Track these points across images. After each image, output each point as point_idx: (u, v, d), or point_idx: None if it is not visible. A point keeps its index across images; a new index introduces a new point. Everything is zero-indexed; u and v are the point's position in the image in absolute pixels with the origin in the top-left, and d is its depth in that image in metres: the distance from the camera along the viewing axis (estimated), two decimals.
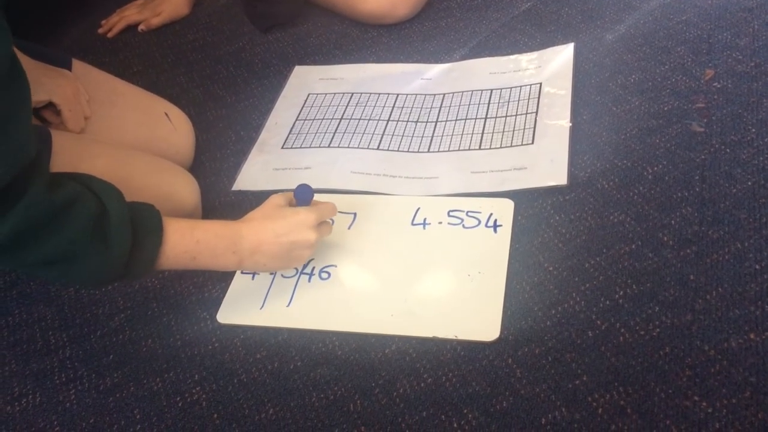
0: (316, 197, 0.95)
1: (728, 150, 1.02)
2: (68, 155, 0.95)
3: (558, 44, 1.28)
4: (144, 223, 0.81)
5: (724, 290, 0.86)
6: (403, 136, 1.19)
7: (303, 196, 0.93)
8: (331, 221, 0.99)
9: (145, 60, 1.50)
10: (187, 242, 0.84)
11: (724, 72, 1.14)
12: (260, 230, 0.87)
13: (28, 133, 0.73)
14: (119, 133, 1.11)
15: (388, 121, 1.22)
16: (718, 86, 1.12)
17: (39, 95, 1.04)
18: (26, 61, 1.04)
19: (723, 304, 0.85)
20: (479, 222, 1.01)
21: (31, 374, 0.96)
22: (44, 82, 1.04)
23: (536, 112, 1.15)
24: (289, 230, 0.88)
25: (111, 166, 0.96)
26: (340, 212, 1.07)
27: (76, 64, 1.14)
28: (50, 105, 1.06)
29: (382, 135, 1.19)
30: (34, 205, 0.73)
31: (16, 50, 1.04)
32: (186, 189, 1.06)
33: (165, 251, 0.83)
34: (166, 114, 1.18)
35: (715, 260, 0.89)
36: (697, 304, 0.86)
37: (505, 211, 1.02)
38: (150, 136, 1.14)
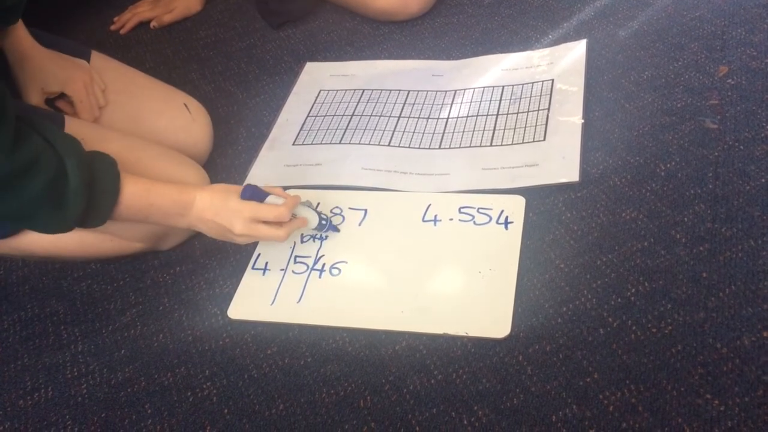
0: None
1: (742, 147, 1.01)
2: (81, 139, 0.96)
3: (570, 41, 1.28)
4: (101, 183, 0.87)
5: (737, 288, 0.85)
6: (414, 132, 1.18)
7: (243, 194, 0.94)
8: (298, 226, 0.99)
9: (157, 56, 1.51)
10: (142, 204, 0.91)
11: (738, 68, 1.13)
12: (206, 206, 0.93)
13: None
14: (137, 123, 1.13)
15: (399, 117, 1.22)
16: (732, 83, 1.11)
17: (51, 86, 1.05)
18: (40, 52, 1.06)
19: (736, 302, 0.84)
20: (490, 219, 1.01)
21: (43, 368, 0.97)
22: (56, 73, 1.06)
23: (548, 109, 1.15)
24: (223, 214, 0.93)
25: (121, 152, 0.97)
26: (350, 208, 1.07)
27: (96, 55, 1.15)
28: (64, 95, 1.07)
29: (393, 131, 1.19)
30: None
31: (33, 41, 1.07)
32: (195, 180, 1.06)
33: (119, 209, 0.90)
34: (185, 105, 1.19)
35: (728, 258, 0.89)
36: (709, 301, 0.85)
37: (516, 207, 1.01)
38: (168, 126, 1.15)
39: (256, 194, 0.94)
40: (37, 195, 0.81)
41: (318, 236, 1.04)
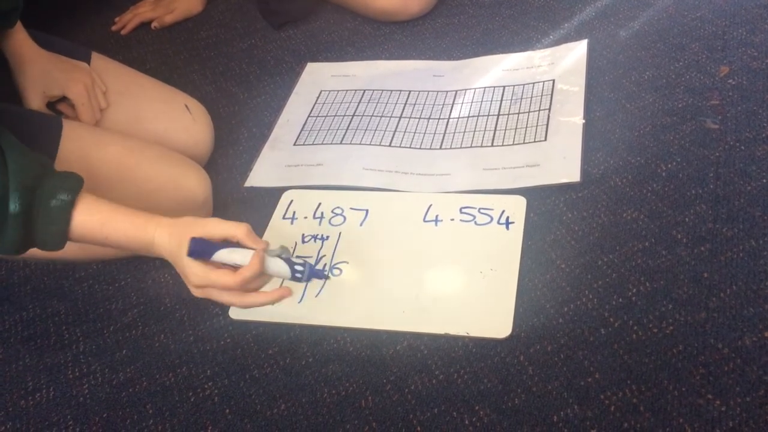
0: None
1: (743, 147, 1.01)
2: (79, 143, 0.96)
3: (571, 41, 1.28)
4: (47, 213, 0.79)
5: (738, 288, 0.86)
6: (415, 132, 1.18)
7: (190, 249, 0.79)
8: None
9: (159, 57, 1.51)
10: (96, 237, 0.82)
11: (739, 69, 1.13)
12: (165, 250, 0.82)
13: None
14: (138, 124, 1.12)
15: (401, 117, 1.22)
16: (733, 83, 1.11)
17: (53, 89, 1.05)
18: (41, 55, 1.06)
19: (737, 302, 0.84)
20: (491, 219, 1.01)
21: (44, 369, 0.97)
22: (57, 77, 1.06)
23: (549, 109, 1.15)
24: (177, 266, 0.83)
25: (122, 155, 0.97)
26: (352, 209, 1.07)
27: (96, 57, 1.15)
28: (65, 98, 1.07)
29: (395, 132, 1.19)
30: None
31: (33, 43, 1.05)
32: (196, 181, 1.06)
33: (72, 237, 0.81)
34: (186, 106, 1.19)
35: (730, 258, 0.89)
36: (710, 302, 0.85)
37: (517, 208, 1.02)
38: (169, 127, 1.15)
39: (205, 250, 0.80)
40: None
41: (319, 236, 1.04)
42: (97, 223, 0.82)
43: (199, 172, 1.08)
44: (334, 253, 1.02)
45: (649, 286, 0.88)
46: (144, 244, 0.83)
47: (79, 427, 0.89)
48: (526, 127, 1.13)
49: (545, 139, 1.10)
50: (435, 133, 1.17)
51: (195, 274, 0.80)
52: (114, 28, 1.61)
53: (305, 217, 1.08)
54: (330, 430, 0.83)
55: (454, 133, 1.16)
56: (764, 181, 0.96)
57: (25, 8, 1.02)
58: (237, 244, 0.81)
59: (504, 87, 1.22)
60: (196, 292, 0.83)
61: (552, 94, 1.17)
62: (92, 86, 1.08)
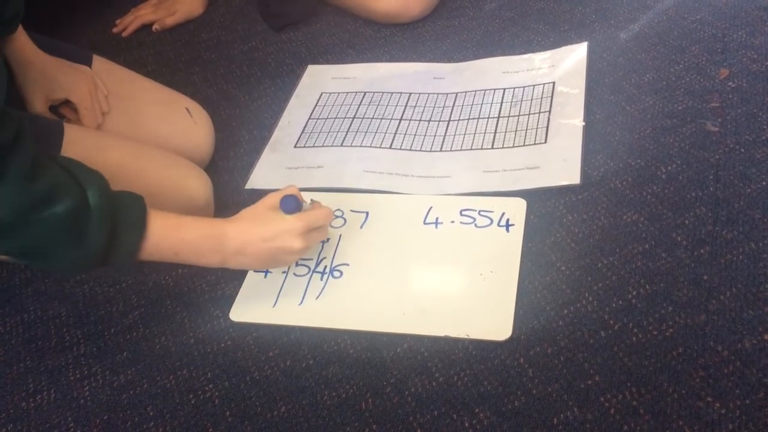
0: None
1: (743, 150, 1.01)
2: (81, 147, 0.96)
3: (571, 43, 1.28)
4: (126, 219, 0.81)
5: (738, 291, 0.86)
6: (415, 135, 1.19)
7: (288, 208, 0.89)
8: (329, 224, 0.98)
9: (160, 59, 1.51)
10: (172, 240, 0.85)
11: (739, 71, 1.13)
12: (246, 233, 0.88)
13: None
14: (139, 128, 1.12)
15: (401, 120, 1.22)
16: (733, 85, 1.11)
17: (56, 93, 1.05)
18: (43, 58, 1.06)
19: (737, 304, 0.84)
20: (491, 221, 1.01)
21: (45, 371, 0.97)
22: (60, 80, 1.06)
23: (549, 111, 1.15)
24: (274, 236, 0.88)
25: (124, 158, 0.97)
26: (352, 211, 1.07)
27: (97, 60, 1.15)
28: (68, 102, 1.07)
29: (395, 134, 1.19)
30: (8, 197, 0.73)
31: (35, 47, 1.05)
32: (198, 184, 1.06)
33: (146, 246, 0.83)
34: (187, 109, 1.19)
35: (729, 260, 0.89)
36: (710, 304, 0.85)
37: (517, 210, 1.02)
38: (170, 131, 1.15)
39: (297, 204, 0.90)
40: (55, 227, 0.76)
41: None
42: (173, 225, 0.85)
43: (200, 175, 1.09)
44: (334, 255, 1.02)
45: (649, 288, 0.88)
46: (218, 237, 0.87)
47: (79, 429, 0.89)
48: (527, 129, 1.13)
49: (545, 142, 1.10)
50: (435, 136, 1.17)
51: (301, 222, 0.89)
52: (115, 30, 1.62)
53: None
54: None
55: (455, 135, 1.16)
56: (764, 183, 0.96)
57: (26, 11, 1.02)
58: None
59: (504, 89, 1.22)
60: (300, 243, 0.89)
61: (552, 97, 1.18)
62: (95, 90, 1.09)
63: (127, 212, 0.82)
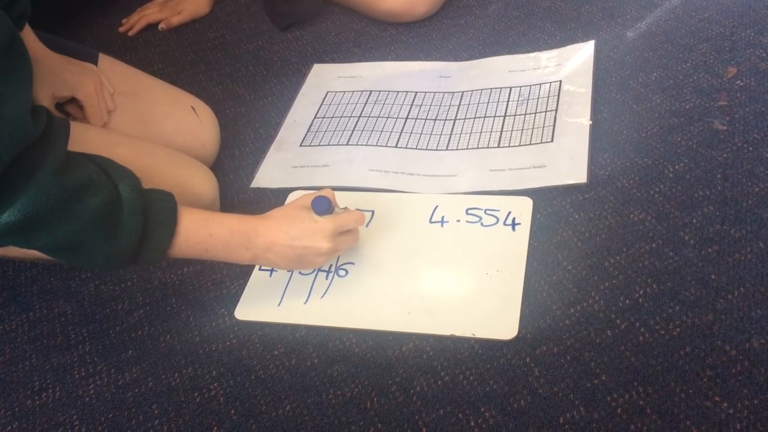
0: (339, 197, 0.95)
1: (751, 148, 1.01)
2: (87, 145, 0.96)
3: (578, 42, 1.27)
4: (158, 214, 0.82)
5: (746, 290, 0.85)
6: (421, 134, 1.18)
7: (320, 208, 0.90)
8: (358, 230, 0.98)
9: (165, 58, 1.51)
10: (201, 235, 0.85)
11: (747, 69, 1.12)
12: (276, 231, 0.88)
13: (25, 114, 0.73)
14: (145, 126, 1.13)
15: (407, 119, 1.22)
16: (741, 84, 1.11)
17: (62, 91, 1.06)
18: (50, 56, 1.06)
19: (745, 303, 0.84)
20: (498, 220, 1.01)
21: (51, 369, 0.97)
22: (67, 78, 1.06)
23: (556, 110, 1.15)
24: (303, 236, 0.88)
25: (130, 156, 0.97)
26: (358, 209, 1.06)
27: (103, 58, 1.15)
28: (74, 100, 1.07)
29: (401, 133, 1.19)
30: (43, 190, 0.73)
31: (42, 45, 1.05)
32: (204, 182, 1.06)
33: (177, 242, 0.84)
34: (193, 108, 1.19)
35: (737, 260, 0.88)
36: (718, 303, 0.85)
37: (523, 209, 1.01)
38: (176, 129, 1.15)
39: (329, 207, 0.90)
40: (88, 221, 0.76)
41: None
42: (202, 219, 0.85)
43: (206, 173, 1.09)
44: (340, 254, 1.02)
45: (656, 287, 0.88)
46: (247, 233, 0.87)
47: (84, 427, 0.89)
48: (533, 128, 1.13)
49: (552, 140, 1.10)
50: (441, 134, 1.17)
51: (331, 224, 0.89)
52: (121, 29, 1.62)
53: None
54: (335, 431, 0.83)
55: (461, 134, 1.16)
56: None
57: (33, 10, 1.02)
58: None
59: (510, 88, 1.22)
60: (329, 244, 0.89)
61: (559, 95, 1.17)
62: (101, 88, 1.09)
63: (158, 207, 0.82)
